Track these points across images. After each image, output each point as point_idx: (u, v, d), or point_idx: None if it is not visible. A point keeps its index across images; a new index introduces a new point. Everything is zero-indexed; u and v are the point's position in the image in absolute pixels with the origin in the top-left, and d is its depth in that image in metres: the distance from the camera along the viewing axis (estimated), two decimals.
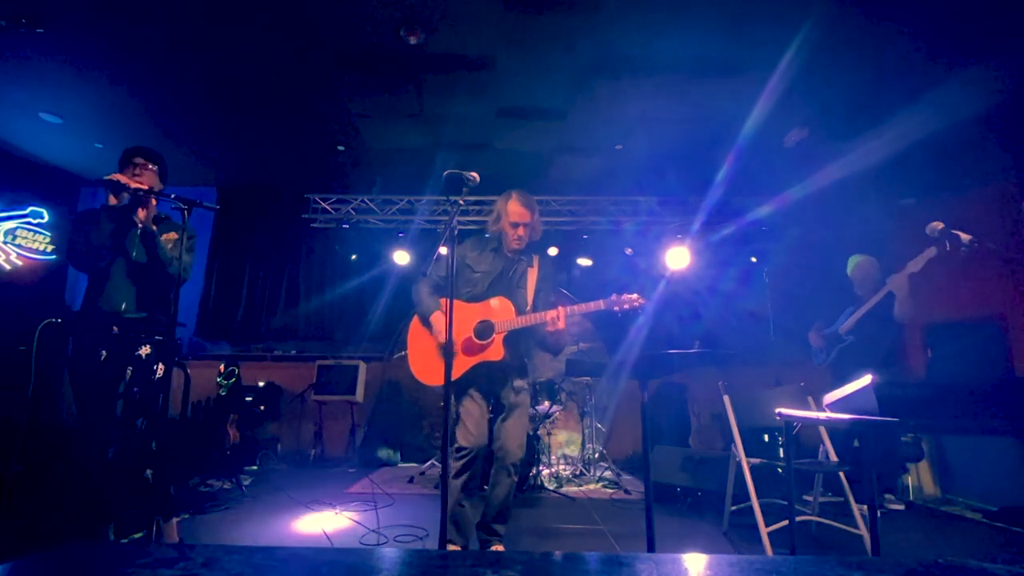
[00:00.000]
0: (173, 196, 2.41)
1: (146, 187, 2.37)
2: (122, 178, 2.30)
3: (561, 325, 2.36)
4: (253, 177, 5.70)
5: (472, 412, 2.43)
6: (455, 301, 2.41)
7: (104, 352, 2.34)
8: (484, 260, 2.58)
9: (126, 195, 2.34)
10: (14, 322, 4.55)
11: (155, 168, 2.51)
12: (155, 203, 2.44)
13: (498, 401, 2.51)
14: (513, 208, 2.54)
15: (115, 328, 2.36)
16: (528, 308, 2.51)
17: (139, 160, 2.47)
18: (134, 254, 2.43)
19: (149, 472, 2.30)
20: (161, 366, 2.37)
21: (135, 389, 2.34)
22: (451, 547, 2.42)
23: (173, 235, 2.50)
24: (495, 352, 2.39)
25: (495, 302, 2.47)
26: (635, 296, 2.33)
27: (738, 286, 6.03)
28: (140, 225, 2.42)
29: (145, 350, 2.39)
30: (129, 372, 2.35)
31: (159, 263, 2.41)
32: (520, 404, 2.52)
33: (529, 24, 3.24)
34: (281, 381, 5.62)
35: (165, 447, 2.36)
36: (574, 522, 3.28)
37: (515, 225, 2.53)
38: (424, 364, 2.54)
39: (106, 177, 2.29)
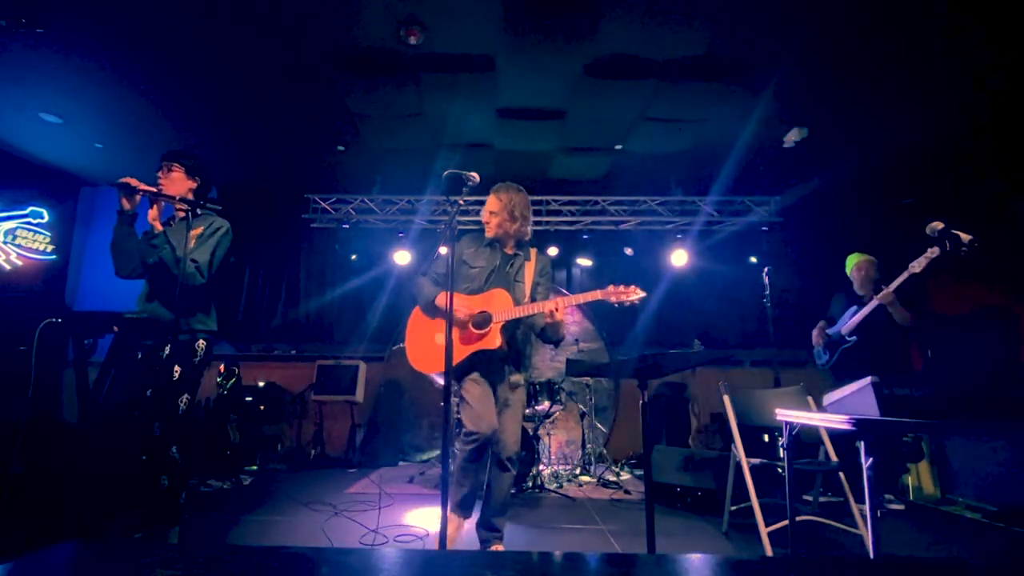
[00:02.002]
0: (177, 198, 2.42)
1: (155, 190, 2.39)
2: (132, 181, 2.32)
3: (560, 316, 2.38)
4: (253, 177, 5.70)
5: (477, 394, 2.43)
6: (455, 294, 2.44)
7: (140, 353, 2.37)
8: (481, 256, 2.62)
9: (138, 197, 2.36)
10: (14, 322, 4.55)
11: (180, 168, 2.53)
12: (162, 204, 2.45)
13: (495, 394, 2.52)
14: (488, 199, 2.63)
15: (115, 328, 2.37)
16: (526, 300, 2.54)
17: (164, 163, 2.52)
18: (149, 258, 2.44)
19: (165, 479, 2.30)
20: (178, 368, 2.37)
21: (148, 391, 2.34)
22: (454, 520, 2.43)
23: (199, 229, 2.50)
24: (492, 341, 2.42)
25: (494, 294, 2.50)
26: (633, 288, 2.32)
27: (738, 286, 6.04)
28: (151, 227, 2.45)
29: (166, 349, 2.39)
30: (157, 369, 2.36)
31: (167, 264, 2.42)
32: (516, 399, 2.54)
33: (529, 24, 3.24)
34: (281, 381, 5.62)
35: (185, 454, 2.36)
36: (574, 522, 3.28)
37: (489, 212, 2.61)
38: (421, 352, 2.56)
39: (119, 180, 2.30)
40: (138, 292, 2.52)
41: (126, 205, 2.37)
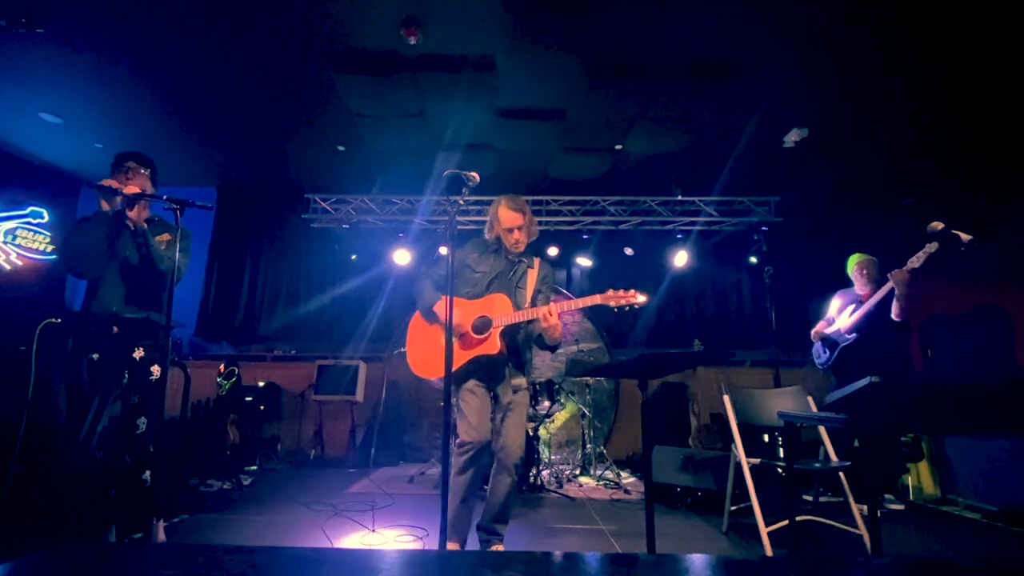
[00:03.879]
0: (165, 197, 2.42)
1: (137, 190, 2.39)
2: (114, 183, 2.32)
3: (553, 321, 2.35)
4: (253, 177, 5.70)
5: (473, 404, 2.43)
6: (455, 298, 2.43)
7: (96, 354, 2.35)
8: (485, 261, 2.61)
9: (119, 199, 2.36)
10: (14, 322, 4.55)
11: (147, 172, 2.53)
12: (147, 205, 2.45)
13: (497, 398, 2.52)
14: (504, 214, 2.55)
15: (115, 328, 2.37)
16: (526, 307, 2.53)
17: (131, 164, 2.49)
18: (127, 256, 2.44)
19: (148, 474, 2.30)
20: (156, 368, 2.37)
21: (132, 392, 2.34)
22: (450, 545, 2.43)
23: (167, 236, 2.53)
24: (491, 346, 2.41)
25: (494, 298, 2.49)
26: (632, 292, 2.28)
27: (738, 286, 6.04)
28: (132, 227, 2.44)
29: (139, 352, 2.39)
30: (126, 375, 2.35)
31: (151, 264, 2.42)
32: (518, 403, 2.52)
33: (529, 24, 3.24)
34: (281, 381, 5.61)
35: (163, 449, 2.36)
36: (574, 522, 3.28)
37: (509, 230, 2.54)
38: (421, 357, 2.56)
39: (99, 183, 2.30)
40: (91, 294, 2.47)
41: (106, 207, 2.37)
